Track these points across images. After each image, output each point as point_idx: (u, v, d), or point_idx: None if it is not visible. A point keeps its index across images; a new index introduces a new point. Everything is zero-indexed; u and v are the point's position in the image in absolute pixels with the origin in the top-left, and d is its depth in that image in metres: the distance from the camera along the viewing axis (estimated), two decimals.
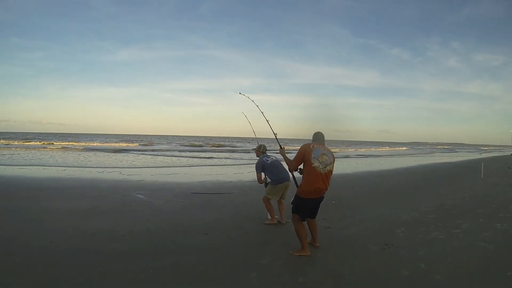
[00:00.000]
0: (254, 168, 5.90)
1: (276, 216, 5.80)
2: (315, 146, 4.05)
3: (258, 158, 5.99)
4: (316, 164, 3.93)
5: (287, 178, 5.62)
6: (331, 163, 4.05)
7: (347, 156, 31.59)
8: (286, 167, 5.05)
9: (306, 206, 4.13)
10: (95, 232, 5.04)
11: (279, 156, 4.95)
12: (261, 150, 6.08)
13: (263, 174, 5.82)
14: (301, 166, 4.17)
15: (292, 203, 4.23)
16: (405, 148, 64.83)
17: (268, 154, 6.05)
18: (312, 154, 3.96)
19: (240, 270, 3.68)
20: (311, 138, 4.36)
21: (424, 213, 6.53)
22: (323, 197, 4.19)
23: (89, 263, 3.82)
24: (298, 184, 4.46)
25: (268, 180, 5.82)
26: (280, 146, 4.88)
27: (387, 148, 58.77)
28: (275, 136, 5.37)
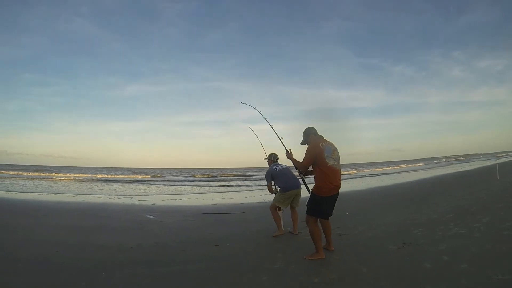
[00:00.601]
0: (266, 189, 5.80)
1: (288, 228, 5.58)
2: (324, 144, 4.01)
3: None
4: (331, 162, 3.93)
5: (297, 186, 5.42)
6: (339, 157, 4.06)
7: (364, 176, 30.98)
8: (296, 173, 4.92)
9: (327, 204, 4.02)
10: (102, 245, 4.92)
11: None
12: (272, 159, 5.93)
13: (272, 182, 5.67)
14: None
15: (307, 205, 4.09)
16: (421, 164, 63.60)
17: (279, 163, 5.88)
18: (325, 154, 3.92)
19: (251, 275, 3.49)
20: (304, 135, 4.31)
21: (442, 214, 6.20)
22: (339, 193, 4.09)
23: (94, 271, 3.69)
24: (308, 188, 4.35)
25: (278, 188, 5.64)
26: (286, 149, 4.67)
27: (404, 166, 57.67)
28: (281, 140, 5.04)
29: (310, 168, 4.12)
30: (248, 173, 51.01)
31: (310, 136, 4.23)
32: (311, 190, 4.14)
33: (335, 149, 4.04)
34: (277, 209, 5.54)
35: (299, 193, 5.49)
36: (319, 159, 3.91)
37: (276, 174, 5.61)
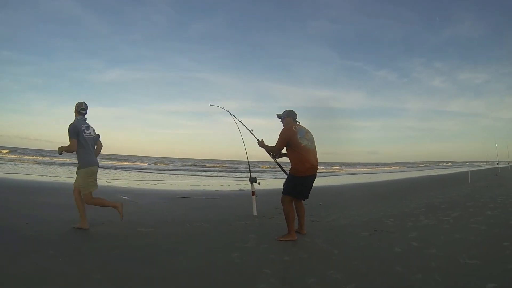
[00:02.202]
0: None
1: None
2: (297, 127, 4.13)
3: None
4: (304, 142, 4.03)
5: (97, 162, 4.59)
6: (314, 139, 4.18)
7: (352, 174, 31.66)
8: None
9: (304, 184, 4.11)
10: (73, 220, 4.81)
11: None
12: (79, 110, 4.35)
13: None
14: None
15: (284, 185, 4.16)
16: (403, 166, 66.00)
17: (90, 124, 4.49)
18: (298, 135, 4.03)
19: (221, 251, 3.54)
20: (285, 112, 4.34)
21: (413, 208, 6.47)
22: (316, 175, 4.18)
23: (63, 241, 3.66)
24: (285, 170, 4.42)
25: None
26: (257, 139, 4.58)
27: (386, 168, 59.55)
28: (251, 132, 4.91)
29: (284, 154, 4.26)
30: (226, 165, 51.02)
31: (288, 118, 4.29)
32: (288, 172, 4.20)
33: (307, 132, 4.17)
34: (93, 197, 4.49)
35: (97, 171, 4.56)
36: (293, 141, 4.02)
37: (83, 138, 4.25)
